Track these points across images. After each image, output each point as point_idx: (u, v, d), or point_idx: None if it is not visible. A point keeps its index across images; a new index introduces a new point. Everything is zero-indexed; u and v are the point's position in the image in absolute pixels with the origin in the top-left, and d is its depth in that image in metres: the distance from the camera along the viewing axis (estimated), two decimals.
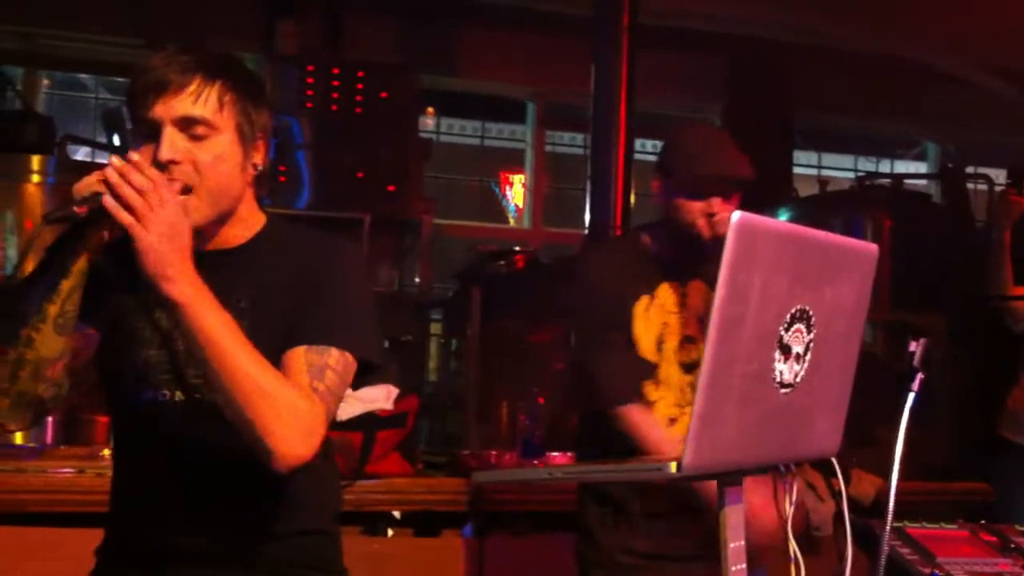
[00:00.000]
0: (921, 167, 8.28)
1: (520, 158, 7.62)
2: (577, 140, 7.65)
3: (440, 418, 5.49)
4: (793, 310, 1.47)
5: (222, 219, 1.69)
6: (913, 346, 1.86)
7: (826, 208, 5.73)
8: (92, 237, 1.51)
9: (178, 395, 1.67)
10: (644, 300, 2.46)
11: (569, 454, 3.73)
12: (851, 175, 7.84)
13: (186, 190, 1.60)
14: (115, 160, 1.51)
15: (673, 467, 1.34)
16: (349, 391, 3.18)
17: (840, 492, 1.64)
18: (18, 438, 3.35)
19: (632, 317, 2.45)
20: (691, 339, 2.48)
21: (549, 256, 6.30)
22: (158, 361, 1.67)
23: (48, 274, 1.51)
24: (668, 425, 2.44)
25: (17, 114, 5.37)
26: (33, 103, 6.41)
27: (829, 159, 8.40)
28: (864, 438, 3.30)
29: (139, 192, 1.48)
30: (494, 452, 3.62)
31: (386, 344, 5.50)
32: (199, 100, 1.62)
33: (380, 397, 3.19)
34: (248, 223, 1.74)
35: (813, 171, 8.10)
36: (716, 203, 2.38)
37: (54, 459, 3.18)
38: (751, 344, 1.41)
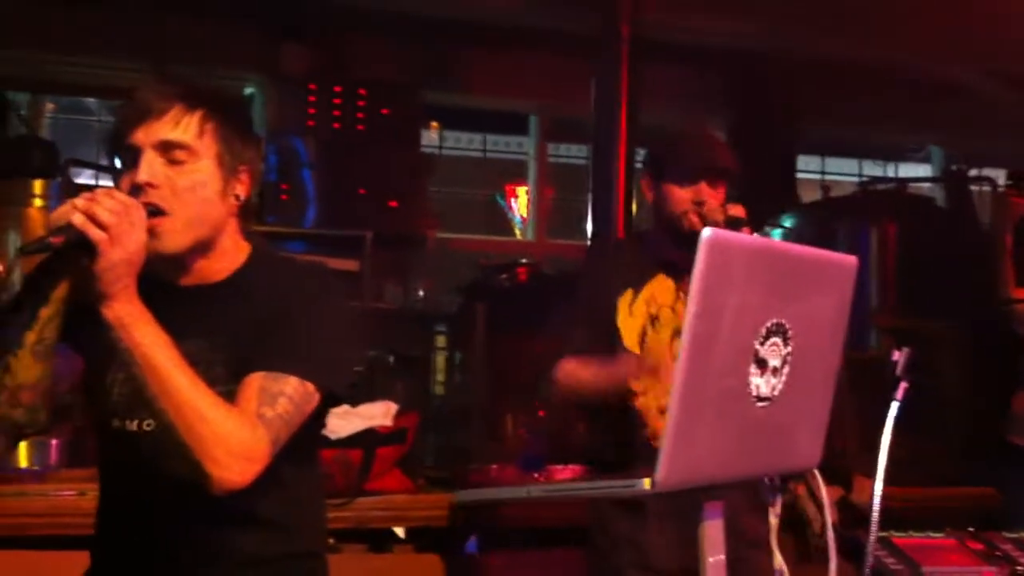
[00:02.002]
0: (926, 170, 8.23)
1: (523, 170, 7.62)
2: (582, 151, 7.64)
3: (447, 433, 5.49)
4: (769, 324, 1.47)
5: (201, 249, 1.69)
6: (896, 355, 1.85)
7: (830, 214, 5.70)
8: (69, 265, 1.52)
9: (147, 425, 1.67)
10: (628, 294, 2.56)
11: (572, 466, 3.73)
12: (855, 179, 7.80)
13: (158, 211, 1.60)
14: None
15: (647, 483, 1.34)
16: (348, 408, 3.21)
17: (822, 503, 1.63)
18: (22, 461, 3.37)
19: (616, 308, 2.53)
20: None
21: (554, 268, 6.29)
22: (131, 390, 1.65)
23: (27, 303, 1.53)
24: (660, 416, 2.46)
25: (22, 140, 5.42)
26: (38, 128, 6.45)
27: (833, 163, 8.34)
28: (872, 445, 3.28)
29: (112, 213, 1.48)
30: (495, 466, 3.61)
31: (392, 360, 5.52)
32: (179, 126, 1.64)
33: (379, 413, 3.19)
34: (231, 255, 1.73)
35: (817, 176, 8.06)
36: (704, 189, 2.49)
37: (56, 482, 3.20)
38: (726, 359, 1.42)
